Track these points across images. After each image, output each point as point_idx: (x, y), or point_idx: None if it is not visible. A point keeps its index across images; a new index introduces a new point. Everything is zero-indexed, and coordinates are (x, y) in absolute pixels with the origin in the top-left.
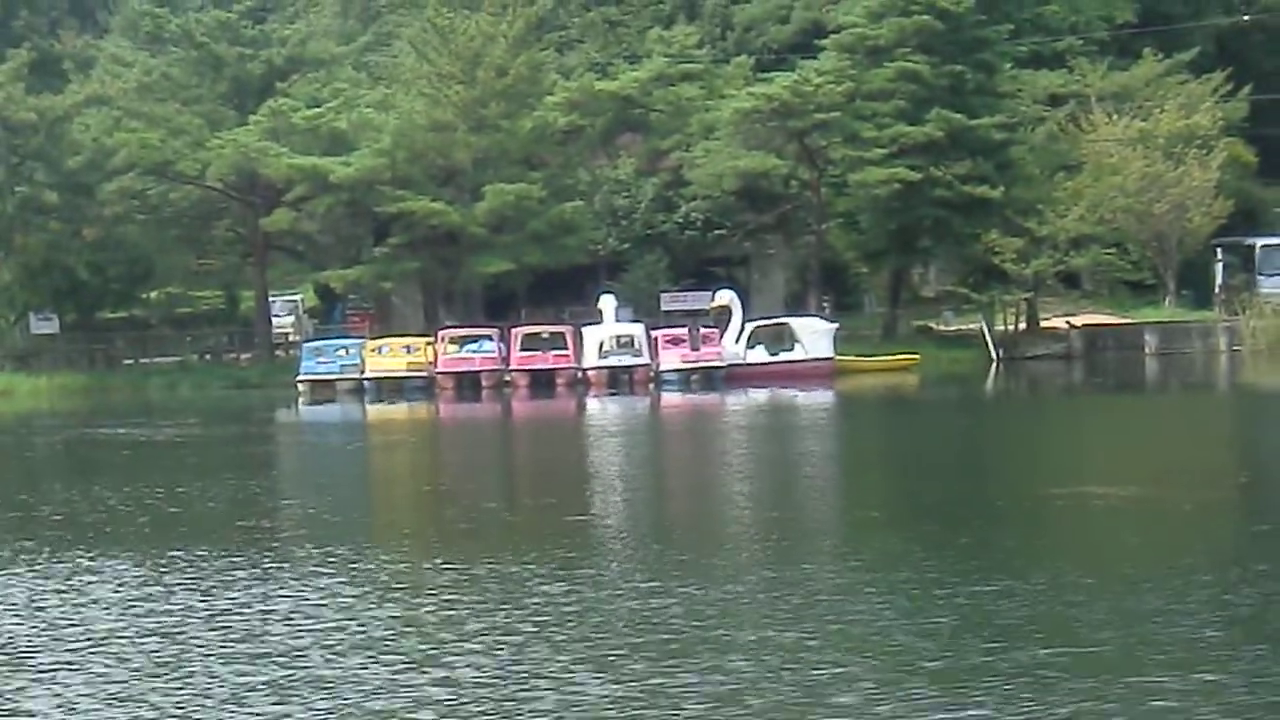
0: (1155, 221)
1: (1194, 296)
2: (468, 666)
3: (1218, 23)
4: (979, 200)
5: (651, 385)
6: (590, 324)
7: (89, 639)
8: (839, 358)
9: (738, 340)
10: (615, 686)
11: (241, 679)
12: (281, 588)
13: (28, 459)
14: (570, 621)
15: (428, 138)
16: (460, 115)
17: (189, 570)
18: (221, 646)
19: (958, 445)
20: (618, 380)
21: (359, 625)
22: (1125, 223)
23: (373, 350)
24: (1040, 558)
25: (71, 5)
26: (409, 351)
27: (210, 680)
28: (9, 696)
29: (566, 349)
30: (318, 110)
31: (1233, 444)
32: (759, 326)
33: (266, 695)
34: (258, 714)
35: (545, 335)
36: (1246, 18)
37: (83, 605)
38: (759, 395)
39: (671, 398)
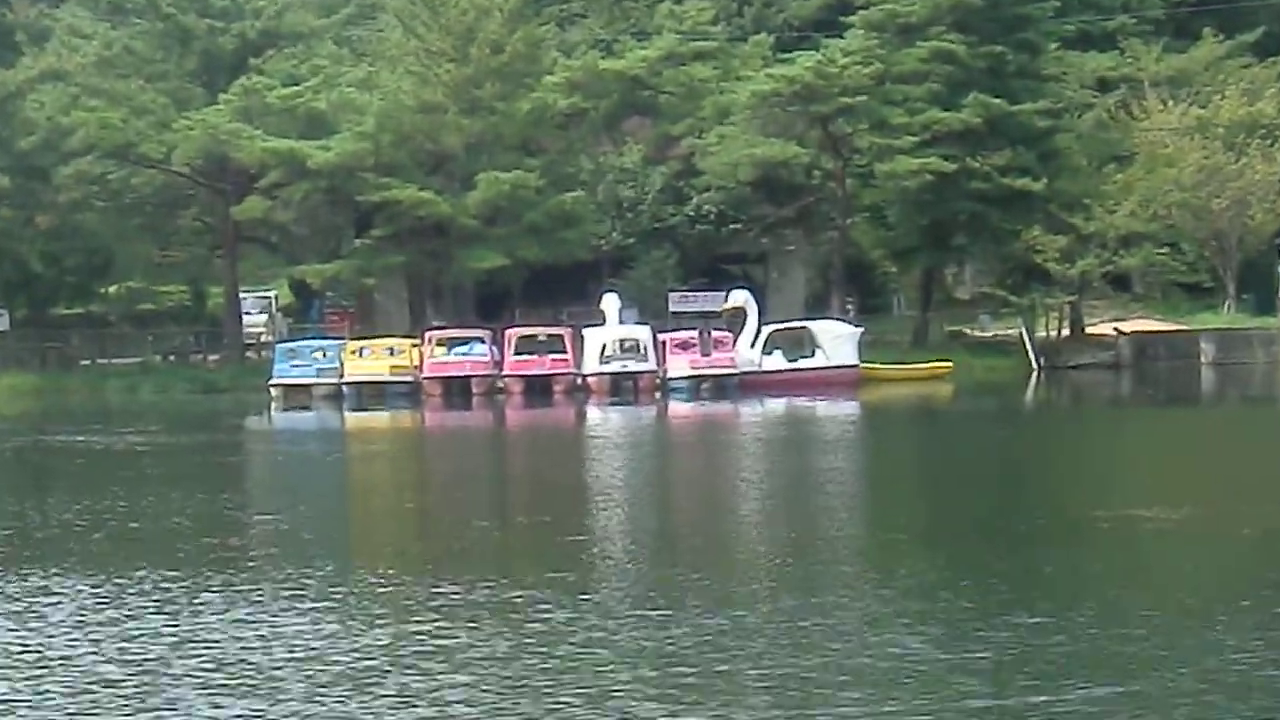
0: (1214, 218)
1: (1255, 301)
2: (461, 702)
3: None
4: (1019, 193)
5: (658, 393)
6: (591, 326)
7: (44, 666)
8: (864, 365)
9: (753, 345)
10: None
11: (213, 712)
12: (256, 612)
13: None
14: (574, 654)
15: (415, 120)
16: (451, 96)
17: (153, 593)
18: (190, 677)
19: (994, 462)
20: (621, 388)
21: (341, 655)
22: (1180, 219)
23: (353, 352)
24: (1086, 585)
25: None
26: (392, 354)
27: (178, 714)
28: None
29: (565, 353)
30: (295, 89)
31: None
32: (776, 330)
33: None
34: None
35: (542, 338)
36: None
37: (37, 630)
38: (776, 406)
39: (679, 407)
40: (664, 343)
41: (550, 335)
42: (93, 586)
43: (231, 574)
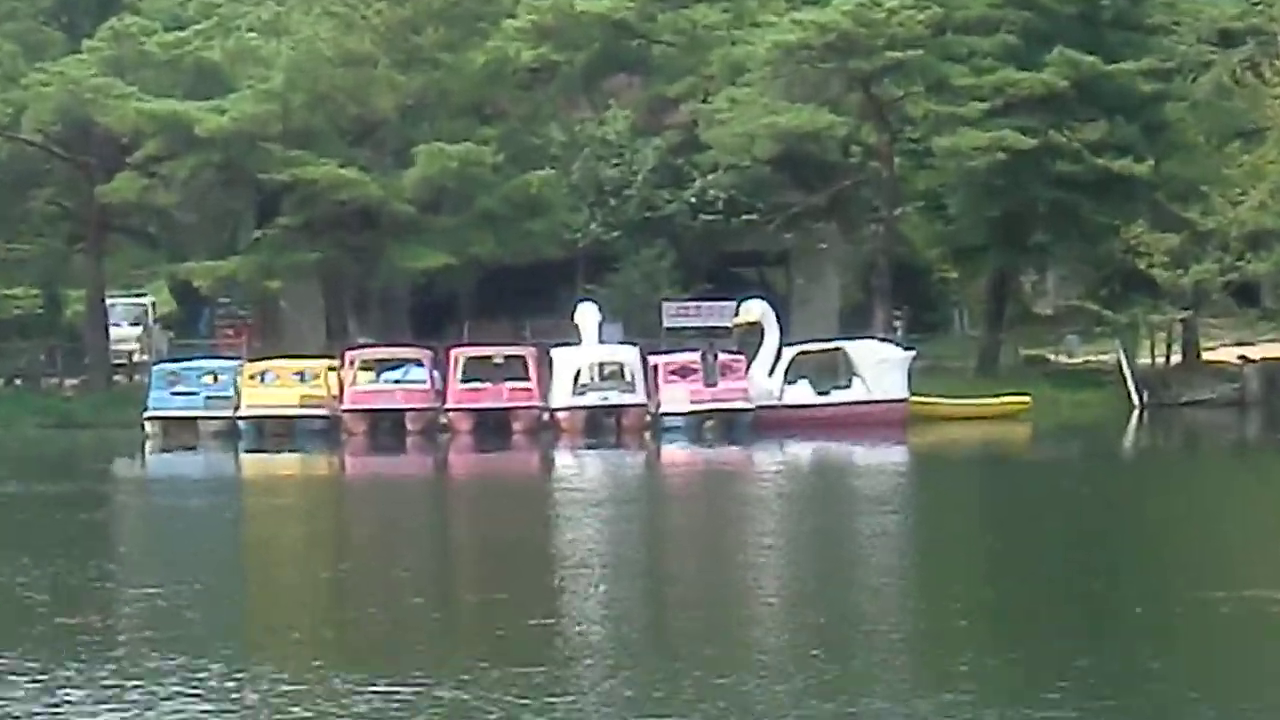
0: None
1: None
2: None
3: None
4: (1117, 177)
5: (647, 434)
6: (562, 345)
7: None
8: (915, 399)
9: (772, 372)
10: None
11: None
12: (124, 712)
13: None
14: None
15: (336, 76)
16: (382, 45)
17: None
18: None
19: (1084, 528)
20: (600, 426)
21: None
22: None
23: (252, 377)
24: (1199, 688)
25: None
26: (303, 380)
27: None
28: None
29: (528, 380)
30: (180, 34)
31: None
32: (803, 353)
33: None
34: None
35: (498, 360)
36: None
37: None
38: (800, 451)
39: (675, 452)
40: (656, 368)
41: (508, 357)
42: None
43: (96, 664)
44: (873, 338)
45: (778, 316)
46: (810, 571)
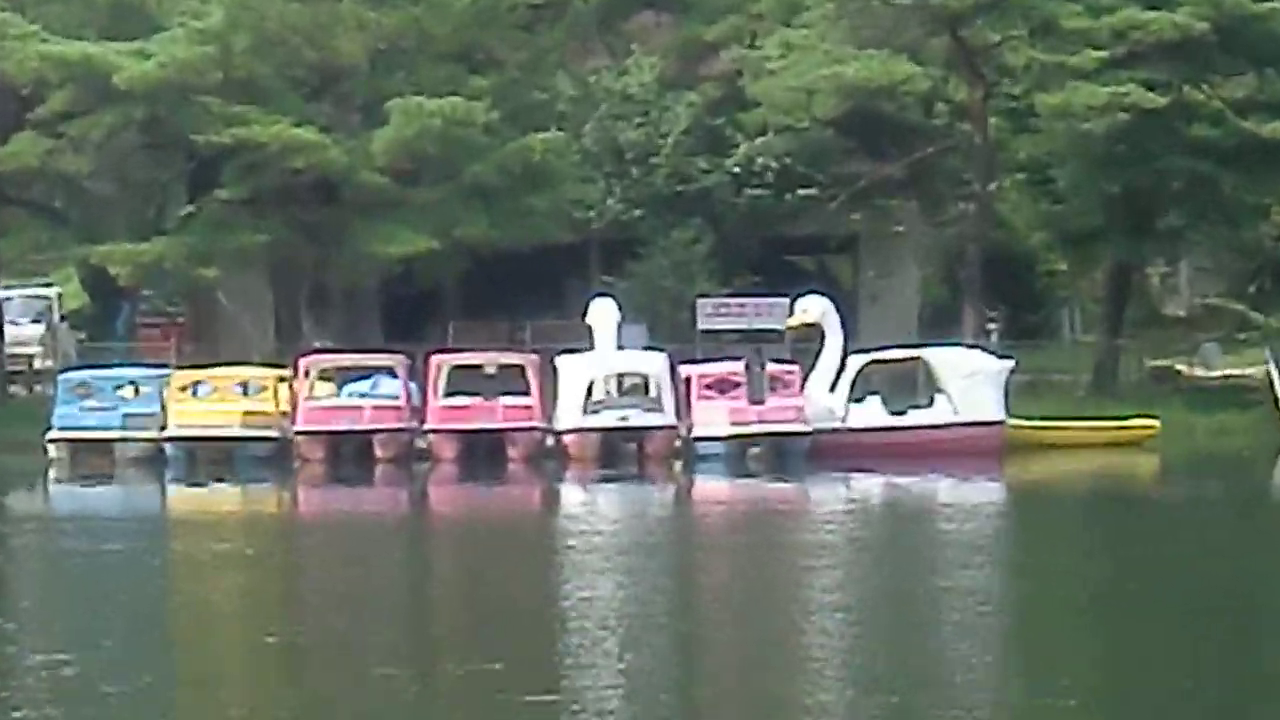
0: None
1: None
2: None
3: None
4: (1268, 145)
5: (677, 464)
6: (571, 351)
7: None
8: (1015, 422)
9: (834, 386)
10: None
11: None
12: None
13: None
14: None
15: (289, 13)
16: None
17: None
18: None
19: (1228, 591)
20: (617, 453)
21: None
22: None
23: (183, 390)
24: None
25: None
26: (246, 393)
27: None
28: None
29: (527, 395)
30: None
31: None
32: (873, 363)
33: None
34: None
35: (490, 370)
36: None
37: None
38: (868, 487)
39: (712, 486)
40: (688, 380)
41: (503, 366)
42: None
43: None
44: (961, 344)
45: (842, 317)
46: (883, 645)
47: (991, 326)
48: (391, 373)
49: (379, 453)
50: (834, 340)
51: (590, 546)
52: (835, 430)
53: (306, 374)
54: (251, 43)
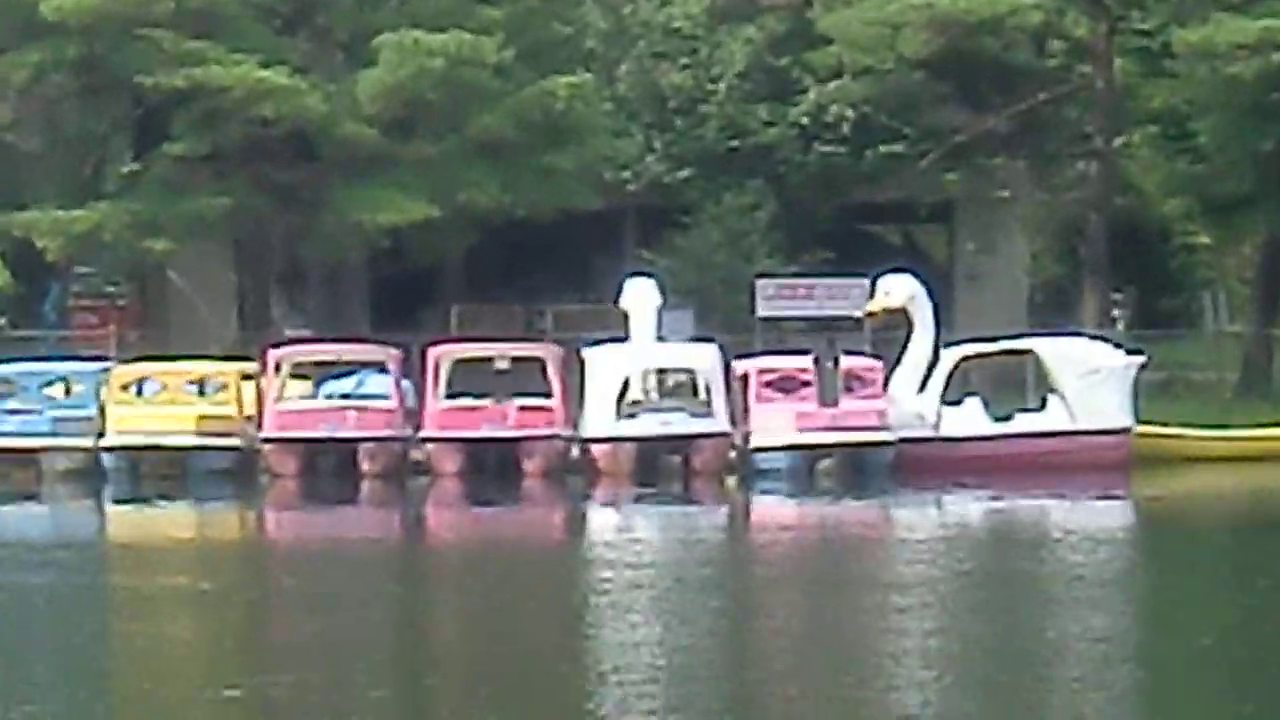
0: None
1: None
2: None
3: None
4: None
5: (731, 479)
6: (602, 342)
7: None
8: (1145, 429)
9: (923, 386)
10: None
11: None
12: None
13: None
14: None
15: None
16: None
17: None
18: None
19: None
20: (658, 466)
21: None
22: None
23: (125, 389)
24: None
25: None
26: (203, 393)
27: None
28: None
29: (548, 395)
30: None
31: None
32: (972, 356)
33: None
34: None
35: (502, 364)
36: None
37: None
38: (965, 507)
39: (774, 508)
40: (745, 378)
41: (518, 359)
42: None
43: None
44: (1080, 334)
45: (933, 301)
46: (995, 705)
47: (1117, 313)
48: (381, 368)
49: (365, 466)
50: (924, 330)
51: (625, 583)
52: (925, 439)
53: (277, 369)
54: None
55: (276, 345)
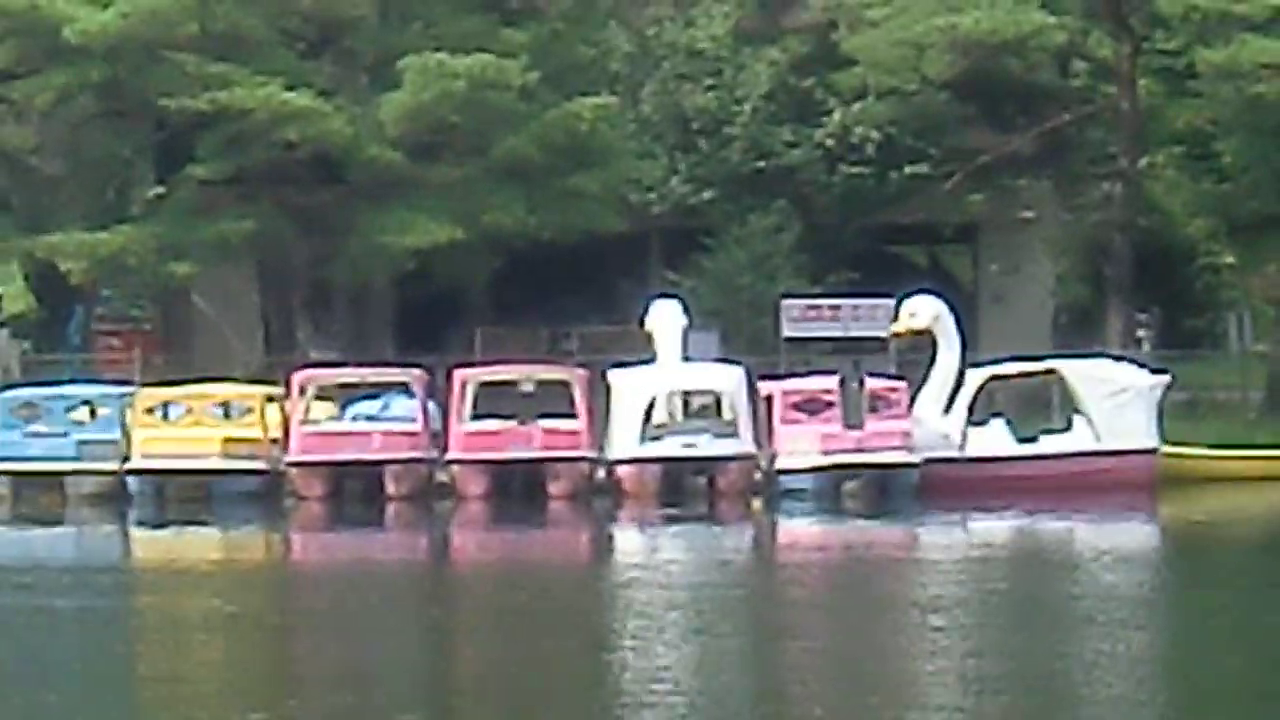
0: None
1: None
2: None
3: None
4: None
5: (757, 501)
6: (627, 364)
7: None
8: (1171, 450)
9: (949, 407)
10: None
11: None
12: None
13: None
14: None
15: None
16: None
17: None
18: None
19: None
20: (683, 488)
21: None
22: None
23: (149, 412)
24: None
25: None
26: (228, 416)
27: None
28: None
29: (573, 417)
30: None
31: None
32: (998, 377)
33: None
34: None
35: (527, 387)
36: None
37: None
38: (991, 529)
39: (799, 530)
40: (770, 399)
41: (544, 382)
42: None
43: None
44: (1105, 355)
45: (958, 322)
46: None
47: (1142, 334)
48: (406, 390)
49: (391, 488)
50: (949, 351)
51: (655, 604)
52: (951, 460)
53: (302, 392)
54: None
55: (301, 368)
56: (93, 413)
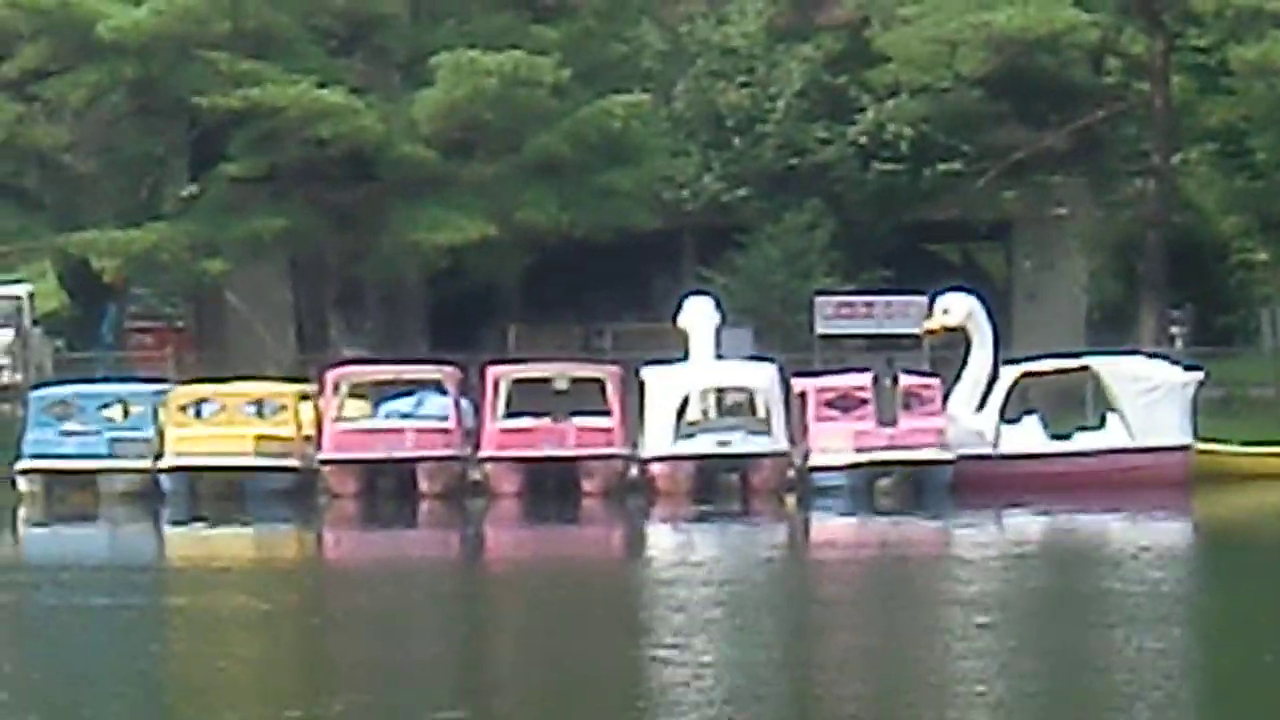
0: None
1: None
2: None
3: None
4: None
5: (791, 498)
6: (660, 361)
7: None
8: (1205, 447)
9: (982, 404)
10: None
11: None
12: None
13: None
14: None
15: None
16: None
17: None
18: None
19: None
20: (717, 485)
21: None
22: None
23: (183, 410)
24: None
25: None
26: (261, 414)
27: None
28: None
29: (606, 415)
30: None
31: None
32: (1031, 374)
33: None
34: None
35: (560, 385)
36: None
37: None
38: (1025, 525)
39: (833, 526)
40: (804, 396)
41: (577, 380)
42: None
43: None
44: (1138, 352)
45: (992, 319)
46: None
47: (1175, 331)
48: (439, 388)
49: (424, 486)
50: (982, 348)
51: (693, 601)
52: (984, 457)
53: (335, 390)
54: None
55: (334, 366)
56: (126, 411)
